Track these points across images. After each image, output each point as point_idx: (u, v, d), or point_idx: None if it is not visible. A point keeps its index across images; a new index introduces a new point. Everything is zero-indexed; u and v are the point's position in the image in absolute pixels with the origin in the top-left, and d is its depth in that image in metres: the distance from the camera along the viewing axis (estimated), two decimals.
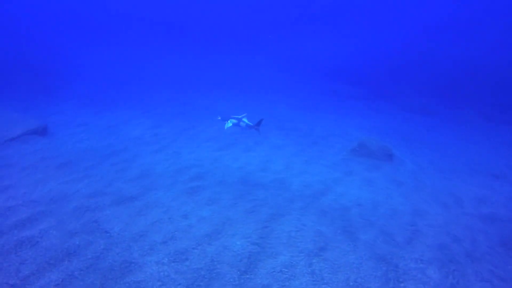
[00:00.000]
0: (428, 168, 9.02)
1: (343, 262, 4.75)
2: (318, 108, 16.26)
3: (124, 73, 21.76)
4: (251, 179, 7.44)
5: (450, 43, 23.73)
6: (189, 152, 8.93)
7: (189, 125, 11.58)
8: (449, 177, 8.54)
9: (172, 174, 7.41)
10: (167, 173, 7.48)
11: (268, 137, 10.80)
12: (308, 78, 23.96)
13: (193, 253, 4.75)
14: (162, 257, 4.62)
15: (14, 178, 6.75)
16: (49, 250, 4.63)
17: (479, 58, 20.83)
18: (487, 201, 7.31)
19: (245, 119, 8.15)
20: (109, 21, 35.69)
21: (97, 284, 4.06)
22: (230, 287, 4.15)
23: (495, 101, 17.94)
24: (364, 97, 19.05)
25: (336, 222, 5.83)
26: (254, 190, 6.86)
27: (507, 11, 24.16)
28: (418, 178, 8.29)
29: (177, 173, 7.50)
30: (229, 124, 8.19)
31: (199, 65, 25.93)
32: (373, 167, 8.68)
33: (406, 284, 4.44)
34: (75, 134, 9.80)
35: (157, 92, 17.17)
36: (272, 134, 11.17)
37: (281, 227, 5.54)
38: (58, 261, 4.43)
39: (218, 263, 4.55)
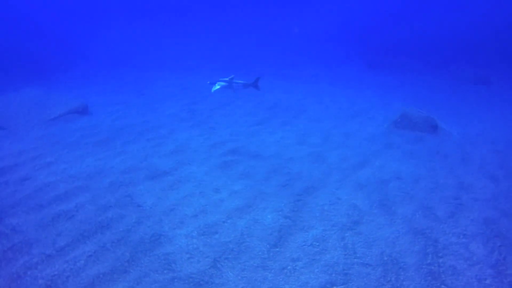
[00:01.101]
0: (477, 140, 8.31)
1: (378, 236, 4.46)
2: (361, 81, 15.54)
3: (157, 53, 21.98)
4: (287, 153, 7.21)
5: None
6: (225, 127, 8.82)
7: (227, 100, 11.46)
8: (500, 149, 7.81)
9: (207, 149, 7.35)
10: (202, 148, 7.42)
11: (307, 111, 10.45)
12: (346, 51, 22.95)
13: (223, 226, 4.66)
14: (192, 230, 4.57)
15: (55, 154, 6.99)
16: (84, 223, 4.73)
17: None
18: None
19: (237, 80, 7.84)
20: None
21: (127, 256, 4.08)
22: (258, 260, 4.02)
23: None
24: (412, 68, 17.90)
25: (372, 195, 5.50)
26: (288, 164, 6.65)
27: None
28: (465, 150, 7.65)
29: (212, 148, 7.43)
30: (216, 86, 7.85)
31: (234, 44, 25.61)
32: (416, 139, 8.13)
33: (445, 259, 4.09)
34: (113, 113, 10.00)
35: (193, 70, 17.19)
36: (311, 108, 10.79)
37: (314, 200, 5.31)
38: (91, 233, 4.51)
39: (248, 237, 4.43)
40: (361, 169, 6.50)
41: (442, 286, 3.70)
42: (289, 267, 3.92)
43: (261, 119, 9.52)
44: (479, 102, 12.26)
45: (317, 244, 4.29)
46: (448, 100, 12.31)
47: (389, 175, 6.26)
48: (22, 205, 5.14)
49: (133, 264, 3.95)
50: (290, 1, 36.05)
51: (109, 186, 5.76)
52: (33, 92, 9.89)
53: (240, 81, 7.95)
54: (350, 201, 5.31)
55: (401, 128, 8.72)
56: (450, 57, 19.01)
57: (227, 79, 7.94)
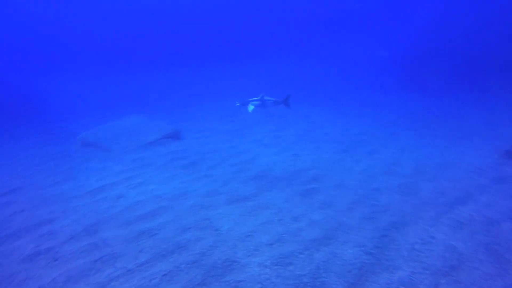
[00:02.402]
0: None
1: None
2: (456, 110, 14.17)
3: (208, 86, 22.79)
4: (373, 183, 6.72)
5: None
6: (308, 154, 8.63)
7: (312, 127, 11.31)
8: None
9: (288, 176, 7.22)
10: (284, 174, 7.31)
11: (398, 139, 9.76)
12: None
13: (299, 258, 4.41)
14: (266, 259, 4.41)
15: (147, 176, 7.48)
16: (164, 242, 4.87)
17: None
18: None
19: (266, 97, 7.67)
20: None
21: (199, 279, 4.06)
22: None
23: None
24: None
25: (476, 237, 4.76)
26: (375, 195, 6.16)
27: None
28: None
29: (294, 175, 7.27)
30: (251, 107, 7.76)
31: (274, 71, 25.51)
32: None
33: None
34: (203, 138, 10.49)
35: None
36: (402, 136, 10.06)
37: (403, 237, 4.77)
38: (169, 253, 4.61)
39: (324, 272, 4.11)
40: (462, 205, 5.73)
41: None
42: None
43: (347, 147, 9.11)
44: None
45: None
46: None
47: (499, 214, 5.40)
48: (114, 221, 5.52)
49: None
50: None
51: (190, 208, 5.92)
52: (134, 119, 10.89)
53: (270, 99, 7.89)
54: (447, 241, 4.66)
55: None
56: None
57: (258, 97, 7.92)
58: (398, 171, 7.36)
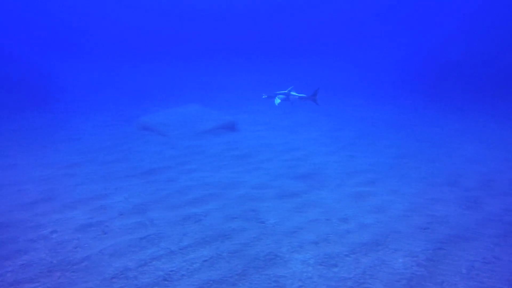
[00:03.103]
0: None
1: None
2: None
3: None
4: (433, 193, 6.25)
5: None
6: (364, 156, 8.25)
7: (370, 130, 10.83)
8: None
9: (341, 176, 6.94)
10: (336, 174, 7.04)
11: (466, 150, 9.03)
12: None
13: (344, 260, 4.17)
14: (310, 257, 4.22)
15: (199, 163, 7.57)
16: (208, 228, 4.86)
17: None
18: None
19: (293, 92, 7.42)
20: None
21: (239, 268, 3.98)
22: None
23: None
24: None
25: None
26: (432, 205, 5.71)
27: None
28: None
29: (347, 175, 6.98)
30: (277, 100, 7.53)
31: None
32: None
33: None
34: (257, 131, 10.46)
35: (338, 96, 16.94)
36: (470, 148, 9.29)
37: (461, 253, 4.34)
38: (212, 239, 4.59)
39: (371, 278, 3.84)
40: None
41: None
42: None
43: (407, 153, 8.59)
44: None
45: None
46: None
47: None
48: (162, 202, 5.63)
49: (243, 279, 3.82)
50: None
51: (238, 198, 5.87)
52: (193, 107, 11.12)
53: (296, 94, 7.63)
54: None
55: None
56: None
57: (285, 91, 7.66)
58: (462, 183, 6.78)
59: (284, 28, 37.42)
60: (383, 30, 35.07)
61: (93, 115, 12.61)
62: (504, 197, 6.13)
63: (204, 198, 5.82)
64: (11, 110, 12.76)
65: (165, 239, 4.58)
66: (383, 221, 5.15)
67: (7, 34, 29.59)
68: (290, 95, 7.85)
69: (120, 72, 26.15)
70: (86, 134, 9.79)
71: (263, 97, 8.15)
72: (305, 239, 4.64)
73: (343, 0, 37.66)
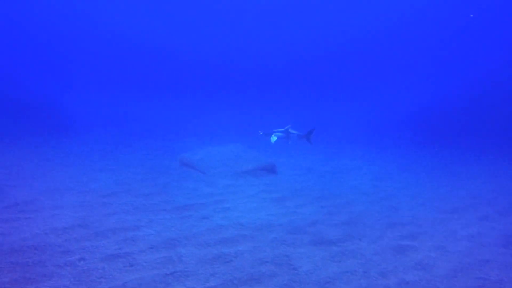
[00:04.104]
0: None
1: None
2: None
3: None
4: (483, 253, 5.61)
5: None
6: (408, 208, 7.70)
7: (414, 180, 10.23)
8: None
9: (382, 227, 6.46)
10: (377, 225, 6.57)
11: None
12: None
13: None
14: None
15: (235, 203, 7.39)
16: (237, 270, 4.59)
17: None
18: None
19: (291, 130, 7.23)
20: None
21: None
22: None
23: None
24: None
25: None
26: (484, 267, 5.11)
27: None
28: None
29: (388, 227, 6.49)
30: (274, 138, 7.34)
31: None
32: None
33: None
34: (297, 176, 10.21)
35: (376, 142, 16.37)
36: None
37: None
38: (241, 282, 4.30)
39: None
40: None
41: None
42: None
43: (455, 208, 7.92)
44: None
45: None
46: None
47: None
48: (193, 239, 5.45)
49: None
50: None
51: (271, 241, 5.58)
52: (235, 147, 11.13)
53: (295, 132, 7.40)
54: None
55: None
56: None
57: (283, 129, 7.44)
58: None
59: (299, 68, 38.25)
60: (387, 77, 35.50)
61: (133, 147, 12.97)
62: None
63: (236, 238, 5.58)
64: (52, 138, 13.47)
65: (191, 278, 4.36)
66: (426, 279, 4.63)
67: (33, 67, 31.46)
68: (289, 133, 7.63)
69: (165, 106, 27.19)
70: (125, 166, 10.01)
71: (260, 134, 7.95)
72: None
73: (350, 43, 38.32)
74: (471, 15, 30.02)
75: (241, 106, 27.80)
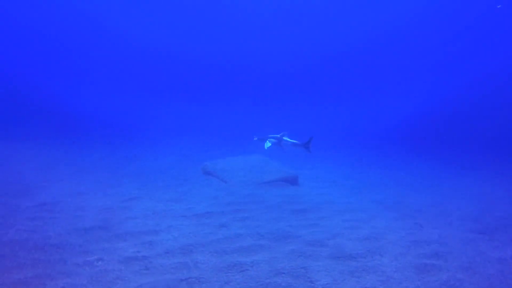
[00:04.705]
0: None
1: None
2: None
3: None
4: None
5: None
6: (434, 227, 7.41)
7: (444, 197, 9.86)
8: None
9: (405, 244, 6.22)
10: (400, 242, 6.34)
11: None
12: None
13: None
14: None
15: (254, 212, 7.34)
16: (252, 280, 4.53)
17: None
18: None
19: (286, 138, 7.01)
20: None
21: None
22: None
23: None
24: None
25: None
26: None
27: None
28: None
29: (412, 244, 6.24)
30: (268, 144, 7.16)
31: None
32: None
33: None
34: (320, 188, 10.05)
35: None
36: None
37: None
38: None
39: None
40: None
41: None
42: None
43: (485, 228, 7.55)
44: None
45: None
46: None
47: None
48: (210, 246, 5.43)
49: None
50: None
51: (290, 252, 5.48)
52: (258, 158, 11.13)
53: (290, 140, 7.17)
54: None
55: None
56: None
57: (277, 136, 7.23)
58: None
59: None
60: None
61: (158, 155, 13.19)
62: None
63: (253, 248, 5.53)
64: (82, 143, 13.91)
65: (205, 285, 4.33)
66: None
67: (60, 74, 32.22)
68: (282, 140, 7.43)
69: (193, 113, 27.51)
70: (148, 172, 10.19)
71: (254, 139, 7.77)
72: None
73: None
74: (499, 6, 29.68)
75: (239, 110, 28.08)
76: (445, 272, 5.24)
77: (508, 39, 32.03)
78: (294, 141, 7.59)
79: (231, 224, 6.52)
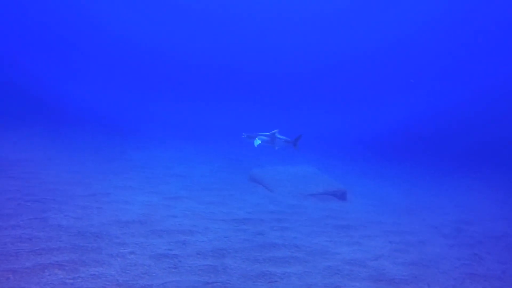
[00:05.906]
0: None
1: None
2: None
3: None
4: None
5: None
6: (497, 260, 6.63)
7: (507, 228, 8.87)
8: None
9: (459, 276, 5.63)
10: (453, 273, 5.75)
11: None
12: None
13: None
14: None
15: (295, 224, 7.12)
16: None
17: None
18: None
19: (278, 135, 6.73)
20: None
21: None
22: None
23: None
24: None
25: None
26: None
27: None
28: None
29: (468, 277, 5.61)
30: (257, 141, 6.79)
31: None
32: None
33: None
34: (368, 205, 9.54)
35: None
36: None
37: None
38: None
39: None
40: None
41: None
42: None
43: None
44: None
45: None
46: None
47: None
48: (243, 253, 5.32)
49: None
50: None
51: (325, 269, 5.19)
52: (306, 168, 10.89)
53: (282, 137, 6.85)
54: None
55: None
56: None
57: (268, 133, 6.83)
58: None
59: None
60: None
61: (207, 157, 13.40)
62: None
63: (287, 259, 5.32)
64: (137, 143, 14.57)
65: None
66: None
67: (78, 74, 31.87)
68: (275, 138, 6.99)
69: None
70: (196, 174, 10.38)
71: (243, 136, 7.28)
72: None
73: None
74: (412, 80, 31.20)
75: (230, 108, 27.84)
76: None
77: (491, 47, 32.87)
78: (286, 138, 7.23)
79: (268, 232, 6.37)
